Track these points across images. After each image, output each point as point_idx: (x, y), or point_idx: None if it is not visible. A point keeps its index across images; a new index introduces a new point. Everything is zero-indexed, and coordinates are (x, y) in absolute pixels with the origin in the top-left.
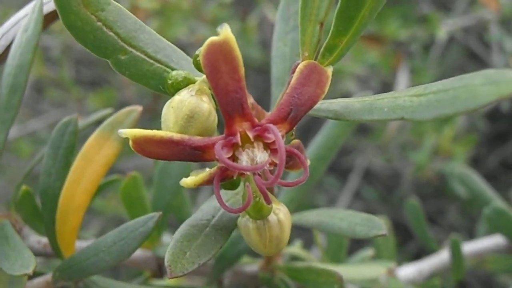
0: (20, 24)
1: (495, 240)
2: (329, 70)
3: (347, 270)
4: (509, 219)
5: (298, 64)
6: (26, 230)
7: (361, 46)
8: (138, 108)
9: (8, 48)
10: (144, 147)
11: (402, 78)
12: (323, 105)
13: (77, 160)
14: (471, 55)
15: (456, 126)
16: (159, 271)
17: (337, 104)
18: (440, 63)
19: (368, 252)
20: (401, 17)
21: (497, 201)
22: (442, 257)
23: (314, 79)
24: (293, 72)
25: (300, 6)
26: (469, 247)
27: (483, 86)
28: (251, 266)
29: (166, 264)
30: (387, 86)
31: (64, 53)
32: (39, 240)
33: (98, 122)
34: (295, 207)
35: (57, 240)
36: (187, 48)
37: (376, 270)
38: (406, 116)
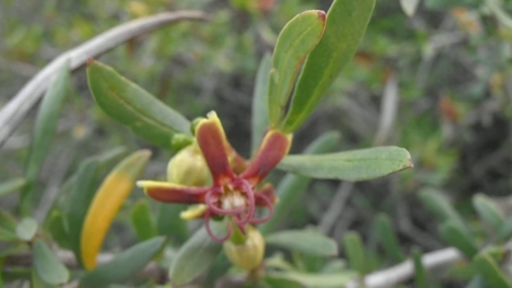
0: (51, 79)
1: (453, 253)
2: (289, 137)
3: (318, 279)
4: (461, 235)
5: (267, 131)
6: (55, 246)
7: (351, 63)
8: (147, 153)
9: (41, 98)
10: (155, 194)
11: (390, 92)
12: (286, 161)
13: (100, 192)
14: (460, 67)
15: (441, 139)
16: (162, 279)
17: (295, 161)
18: (429, 75)
19: (338, 264)
20: (389, 32)
21: (452, 220)
22: (407, 267)
23: (278, 145)
24: (264, 135)
25: (267, 93)
26: (430, 259)
27: (386, 160)
28: (238, 276)
29: (170, 276)
30: (376, 100)
31: None
32: (65, 254)
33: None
34: (277, 225)
35: (81, 256)
36: (187, 63)
37: (341, 279)
38: (338, 176)
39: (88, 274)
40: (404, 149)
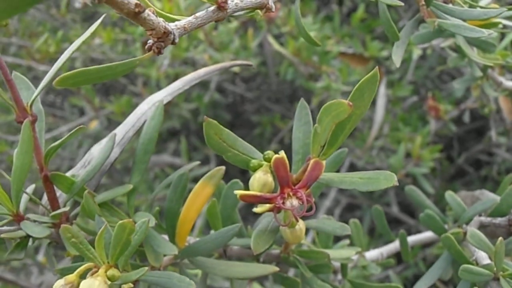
0: (147, 113)
1: (430, 235)
2: (324, 163)
3: (332, 252)
4: (436, 221)
5: (310, 158)
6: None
7: (349, 68)
8: (223, 168)
9: (140, 127)
10: (245, 198)
11: (382, 91)
12: (322, 177)
13: (191, 194)
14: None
15: (427, 134)
16: (224, 253)
17: (327, 177)
18: (417, 73)
19: (346, 241)
20: (383, 33)
21: (429, 209)
22: (396, 244)
23: (317, 168)
24: (308, 160)
25: (312, 138)
26: (414, 238)
27: (382, 180)
28: (275, 250)
29: (252, 247)
30: None
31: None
32: None
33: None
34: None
35: (175, 238)
36: (198, 66)
37: (349, 252)
38: (356, 187)
39: (183, 249)
40: (394, 174)
